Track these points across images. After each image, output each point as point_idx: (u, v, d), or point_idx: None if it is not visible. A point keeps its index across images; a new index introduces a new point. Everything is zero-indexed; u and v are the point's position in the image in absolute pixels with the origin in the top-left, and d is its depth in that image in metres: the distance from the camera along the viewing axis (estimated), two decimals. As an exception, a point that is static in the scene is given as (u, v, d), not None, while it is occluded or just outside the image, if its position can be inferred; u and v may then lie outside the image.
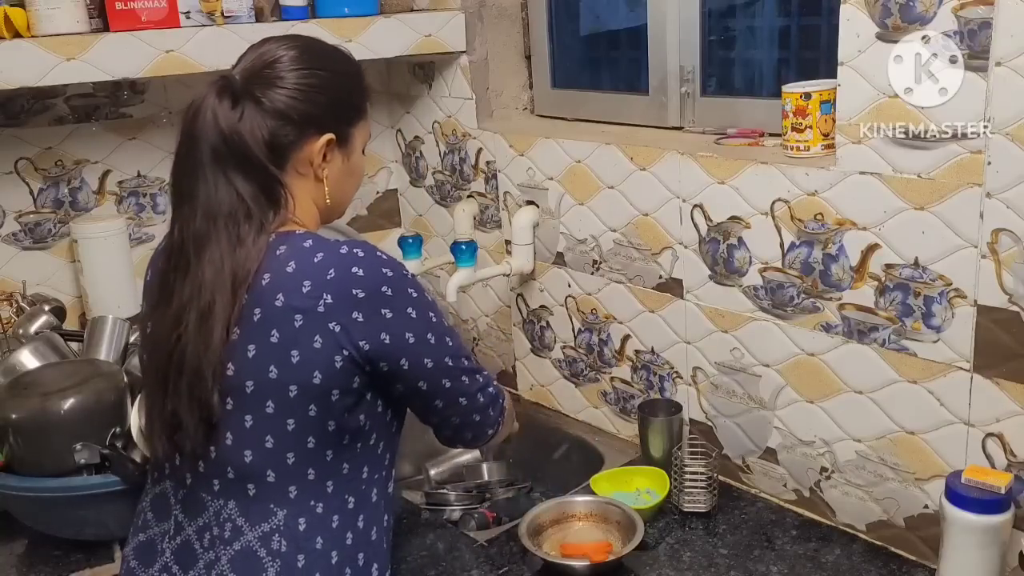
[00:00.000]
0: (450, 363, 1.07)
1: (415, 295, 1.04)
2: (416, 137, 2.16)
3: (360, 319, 0.98)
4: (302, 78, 1.05)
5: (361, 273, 0.99)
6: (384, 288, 1.00)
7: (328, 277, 0.98)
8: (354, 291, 0.99)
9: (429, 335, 1.04)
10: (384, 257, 1.03)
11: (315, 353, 0.98)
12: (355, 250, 1.01)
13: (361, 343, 0.99)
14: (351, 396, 1.01)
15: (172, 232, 1.05)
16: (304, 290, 0.98)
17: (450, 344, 1.07)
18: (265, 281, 0.99)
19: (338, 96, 1.09)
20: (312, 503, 1.02)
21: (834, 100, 1.31)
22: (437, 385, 1.07)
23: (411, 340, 1.02)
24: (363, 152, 1.17)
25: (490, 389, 1.14)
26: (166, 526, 1.06)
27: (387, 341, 1.00)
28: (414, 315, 1.03)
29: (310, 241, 1.02)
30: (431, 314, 1.05)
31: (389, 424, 1.10)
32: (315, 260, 0.99)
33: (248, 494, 1.01)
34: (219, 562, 1.00)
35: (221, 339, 0.98)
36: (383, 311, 1.00)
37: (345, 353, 0.98)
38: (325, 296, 0.98)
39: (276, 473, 1.01)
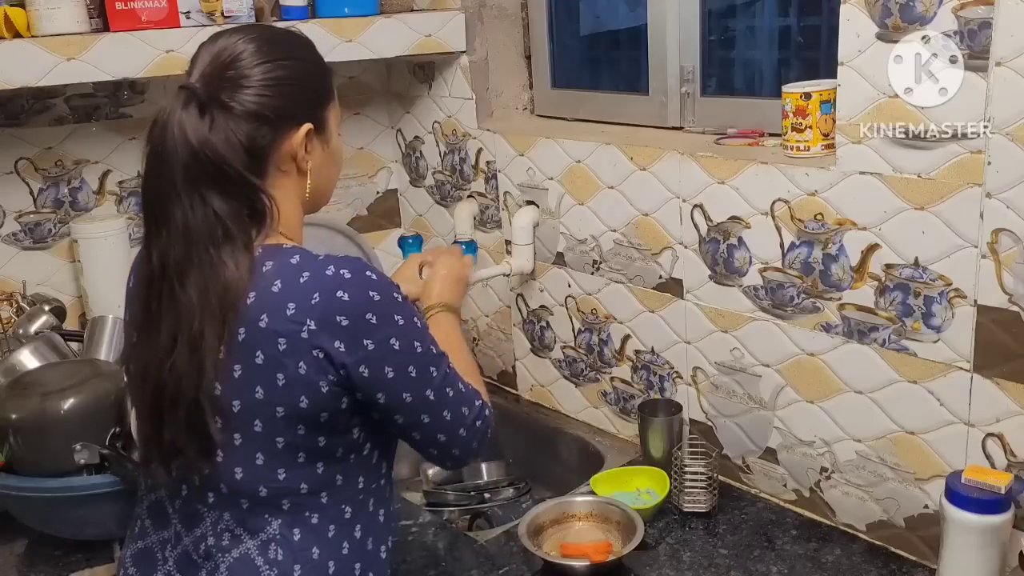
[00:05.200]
0: (432, 397, 1.02)
1: (402, 322, 0.99)
2: (416, 137, 2.16)
3: (342, 348, 0.95)
4: (269, 72, 0.98)
5: (346, 298, 0.95)
6: (368, 315, 0.96)
7: (312, 302, 0.94)
8: (337, 318, 0.95)
9: (411, 368, 1.00)
10: (373, 278, 0.98)
11: (300, 379, 0.95)
12: (342, 271, 0.96)
13: (342, 372, 0.96)
14: (342, 415, 0.99)
15: (150, 257, 0.98)
16: (288, 313, 0.94)
17: (434, 375, 1.02)
18: (250, 300, 0.95)
19: (308, 83, 1.03)
20: (307, 514, 1.01)
21: (834, 100, 1.30)
22: (415, 419, 1.02)
23: (390, 375, 0.98)
24: (339, 134, 1.11)
25: (477, 423, 1.07)
26: (166, 534, 1.05)
27: (366, 374, 0.97)
28: (397, 346, 0.98)
29: (297, 257, 0.97)
30: (416, 344, 1.00)
31: (383, 433, 1.06)
32: (300, 281, 0.95)
33: (242, 507, 1.00)
34: (218, 570, 0.99)
35: (213, 368, 0.94)
36: (365, 342, 0.96)
37: (331, 378, 0.96)
38: (308, 322, 0.94)
39: (268, 489, 0.99)
